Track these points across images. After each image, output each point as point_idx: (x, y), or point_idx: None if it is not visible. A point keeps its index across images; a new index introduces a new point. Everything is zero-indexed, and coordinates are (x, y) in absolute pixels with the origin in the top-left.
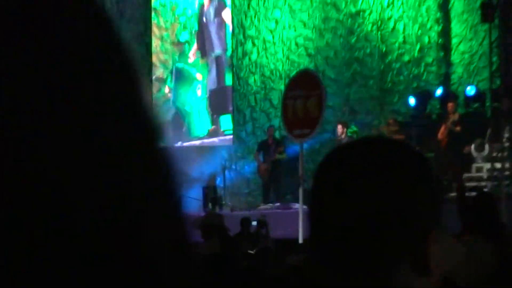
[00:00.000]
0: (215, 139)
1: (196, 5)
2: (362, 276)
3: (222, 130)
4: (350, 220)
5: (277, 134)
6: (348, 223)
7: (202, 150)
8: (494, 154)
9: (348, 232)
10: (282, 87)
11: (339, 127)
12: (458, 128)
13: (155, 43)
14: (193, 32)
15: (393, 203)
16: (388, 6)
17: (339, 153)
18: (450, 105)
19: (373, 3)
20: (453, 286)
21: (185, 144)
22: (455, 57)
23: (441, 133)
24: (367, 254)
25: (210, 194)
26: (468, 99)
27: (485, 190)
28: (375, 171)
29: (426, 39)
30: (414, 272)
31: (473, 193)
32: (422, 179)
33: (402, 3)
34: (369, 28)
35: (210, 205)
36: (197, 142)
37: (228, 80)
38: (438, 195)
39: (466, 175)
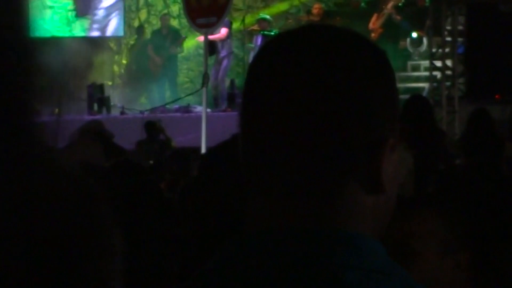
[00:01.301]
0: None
1: None
2: (297, 194)
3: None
4: (290, 122)
5: (176, 23)
6: (287, 126)
7: (88, 43)
8: (434, 50)
9: (286, 138)
10: None
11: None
12: (398, 17)
13: None
14: None
15: (345, 102)
16: None
17: (282, 42)
18: None
19: None
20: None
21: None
22: None
23: (373, 22)
24: (308, 166)
25: (96, 93)
26: None
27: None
28: (325, 64)
29: None
30: (363, 190)
31: (407, 96)
32: (380, 77)
33: None
34: None
35: (96, 106)
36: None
37: None
38: (395, 94)
39: (400, 74)
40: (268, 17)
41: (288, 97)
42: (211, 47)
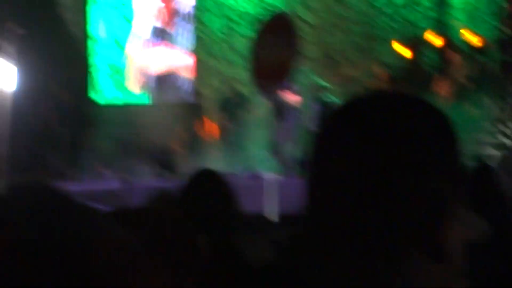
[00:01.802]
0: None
1: None
2: (364, 261)
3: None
4: (357, 190)
5: (245, 90)
6: (354, 194)
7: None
8: (504, 115)
9: (352, 205)
10: (252, 33)
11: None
12: (467, 82)
13: None
14: None
15: (409, 171)
16: None
17: (348, 110)
18: (454, 55)
19: None
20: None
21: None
22: (456, 1)
23: (441, 87)
24: (373, 234)
25: (166, 159)
26: (471, 50)
27: (487, 161)
28: (391, 132)
29: None
30: (428, 258)
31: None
32: (445, 143)
33: None
34: None
35: (165, 172)
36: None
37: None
38: (459, 160)
39: (469, 138)
40: (325, 83)
41: (356, 166)
42: (279, 113)
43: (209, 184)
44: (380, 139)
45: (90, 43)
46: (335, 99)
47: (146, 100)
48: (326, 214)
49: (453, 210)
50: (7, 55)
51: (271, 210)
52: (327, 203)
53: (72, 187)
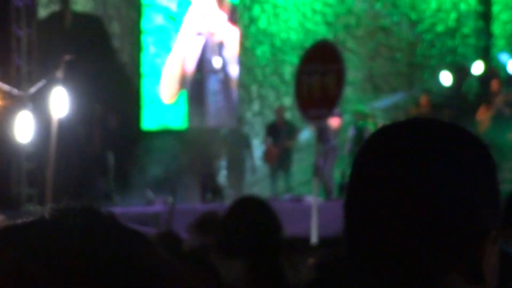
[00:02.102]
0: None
1: None
2: (405, 284)
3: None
4: (397, 215)
5: (288, 115)
6: (393, 219)
7: (202, 132)
8: None
9: (392, 230)
10: (295, 60)
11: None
12: (508, 111)
13: None
14: None
15: (450, 196)
16: None
17: (386, 135)
18: (494, 82)
19: None
20: None
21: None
22: (496, 28)
23: (481, 113)
24: (413, 257)
25: (209, 183)
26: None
27: None
28: (430, 159)
29: (463, 6)
30: (467, 281)
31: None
32: (483, 170)
33: None
34: None
35: (209, 196)
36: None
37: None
38: (498, 189)
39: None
40: (363, 109)
41: (395, 191)
42: (321, 137)
43: (253, 210)
44: (417, 165)
45: (138, 70)
46: (374, 126)
47: (186, 124)
48: (366, 237)
49: (491, 234)
50: (56, 81)
51: (313, 233)
52: (367, 226)
53: (118, 210)
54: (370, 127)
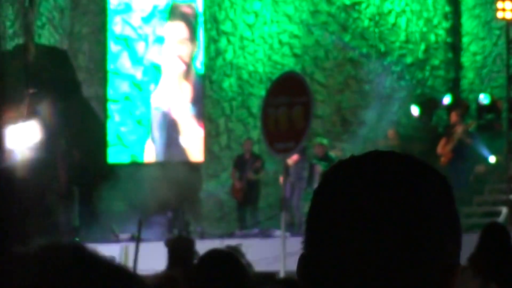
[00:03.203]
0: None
1: None
2: None
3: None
4: (363, 248)
5: (256, 149)
6: (360, 251)
7: (167, 166)
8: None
9: (358, 263)
10: (263, 92)
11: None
12: (469, 141)
13: None
14: None
15: (416, 230)
16: None
17: (347, 169)
18: (453, 114)
19: None
20: None
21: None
22: (465, 59)
23: (442, 147)
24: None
25: (177, 218)
26: (481, 109)
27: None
28: (394, 191)
29: (432, 38)
30: None
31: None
32: (446, 203)
33: None
34: (366, 24)
35: (175, 231)
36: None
37: (198, 84)
38: (459, 219)
39: (478, 198)
40: (325, 141)
41: (362, 225)
42: (288, 171)
43: (222, 264)
44: (384, 197)
45: (104, 103)
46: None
47: (154, 158)
48: (328, 271)
49: (457, 268)
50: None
51: (281, 267)
52: (328, 259)
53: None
54: (322, 165)
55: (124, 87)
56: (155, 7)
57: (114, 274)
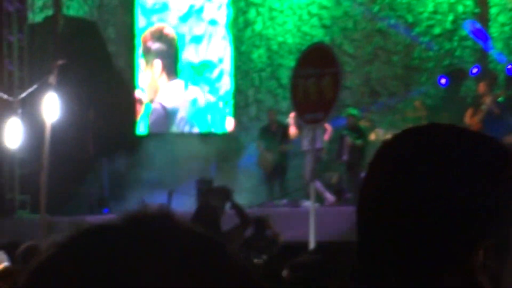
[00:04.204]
0: None
1: None
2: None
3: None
4: (407, 218)
5: (282, 118)
6: (404, 222)
7: (196, 138)
8: None
9: (392, 231)
10: (292, 63)
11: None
12: (497, 111)
13: None
14: None
15: (462, 199)
16: None
17: (403, 140)
18: (482, 84)
19: None
20: None
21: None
22: (494, 30)
23: (469, 117)
24: (409, 258)
25: (204, 188)
26: (509, 80)
27: None
28: (446, 163)
29: (460, 8)
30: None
31: None
32: (495, 179)
33: None
34: None
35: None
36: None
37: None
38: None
39: None
40: (355, 112)
41: (404, 192)
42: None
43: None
44: (433, 170)
45: (133, 74)
46: (369, 130)
47: (184, 129)
48: (371, 240)
49: (485, 242)
50: (49, 86)
51: (311, 238)
52: (372, 229)
53: (112, 216)
54: (352, 136)
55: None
56: (191, 6)
57: (206, 245)
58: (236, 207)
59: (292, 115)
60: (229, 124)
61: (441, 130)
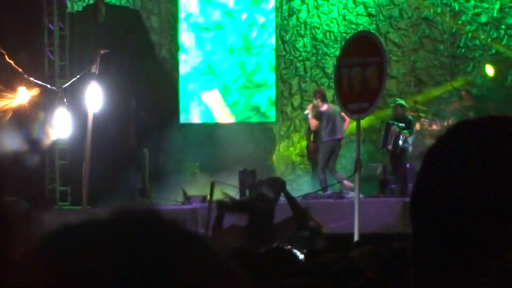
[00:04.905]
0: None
1: None
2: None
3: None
4: (460, 212)
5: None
6: (457, 215)
7: (240, 128)
8: None
9: (458, 229)
10: (337, 52)
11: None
12: None
13: None
14: None
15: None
16: None
17: (461, 132)
18: None
19: None
20: None
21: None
22: None
23: None
24: (451, 257)
25: (247, 179)
26: None
27: None
28: (503, 155)
29: None
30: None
31: None
32: None
33: None
34: None
35: (247, 192)
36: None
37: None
38: None
39: None
40: (403, 103)
41: (466, 187)
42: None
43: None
44: (494, 162)
45: (176, 64)
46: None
47: (227, 119)
48: (434, 233)
49: None
50: (91, 76)
51: (355, 229)
52: (426, 222)
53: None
54: (398, 126)
55: (216, 15)
56: None
57: (187, 241)
58: (290, 199)
59: (310, 106)
60: (272, 114)
61: (501, 122)
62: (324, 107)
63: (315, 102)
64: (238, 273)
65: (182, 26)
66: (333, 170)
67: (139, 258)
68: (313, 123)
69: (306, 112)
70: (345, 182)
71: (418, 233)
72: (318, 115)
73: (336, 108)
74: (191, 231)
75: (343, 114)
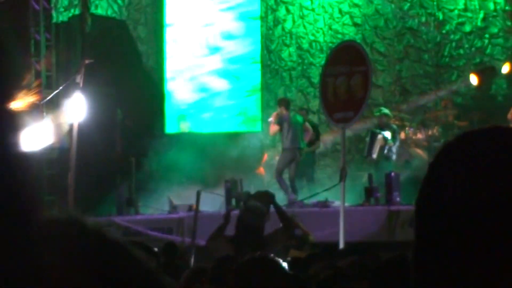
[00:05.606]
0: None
1: None
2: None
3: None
4: (475, 219)
5: (315, 119)
6: (465, 223)
7: (226, 137)
8: None
9: (467, 235)
10: (323, 62)
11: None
12: None
13: None
14: None
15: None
16: None
17: (467, 141)
18: None
19: None
20: None
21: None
22: None
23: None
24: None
25: (233, 189)
26: None
27: None
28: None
29: (491, 6)
30: None
31: None
32: None
33: None
34: None
35: (233, 201)
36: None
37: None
38: None
39: None
40: (387, 111)
41: (473, 197)
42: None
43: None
44: (498, 173)
45: (160, 74)
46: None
47: (214, 128)
48: (438, 244)
49: None
50: (75, 86)
51: (340, 238)
52: (440, 234)
53: (142, 216)
54: (380, 133)
55: None
56: None
57: (111, 249)
58: (279, 210)
59: (274, 114)
60: (258, 123)
61: (505, 132)
62: (287, 115)
63: (279, 110)
64: (163, 279)
65: (169, 35)
66: (293, 179)
67: (59, 260)
68: (273, 128)
69: (270, 119)
70: (291, 196)
71: (422, 240)
72: (279, 121)
73: (299, 118)
74: (111, 235)
75: (306, 126)
